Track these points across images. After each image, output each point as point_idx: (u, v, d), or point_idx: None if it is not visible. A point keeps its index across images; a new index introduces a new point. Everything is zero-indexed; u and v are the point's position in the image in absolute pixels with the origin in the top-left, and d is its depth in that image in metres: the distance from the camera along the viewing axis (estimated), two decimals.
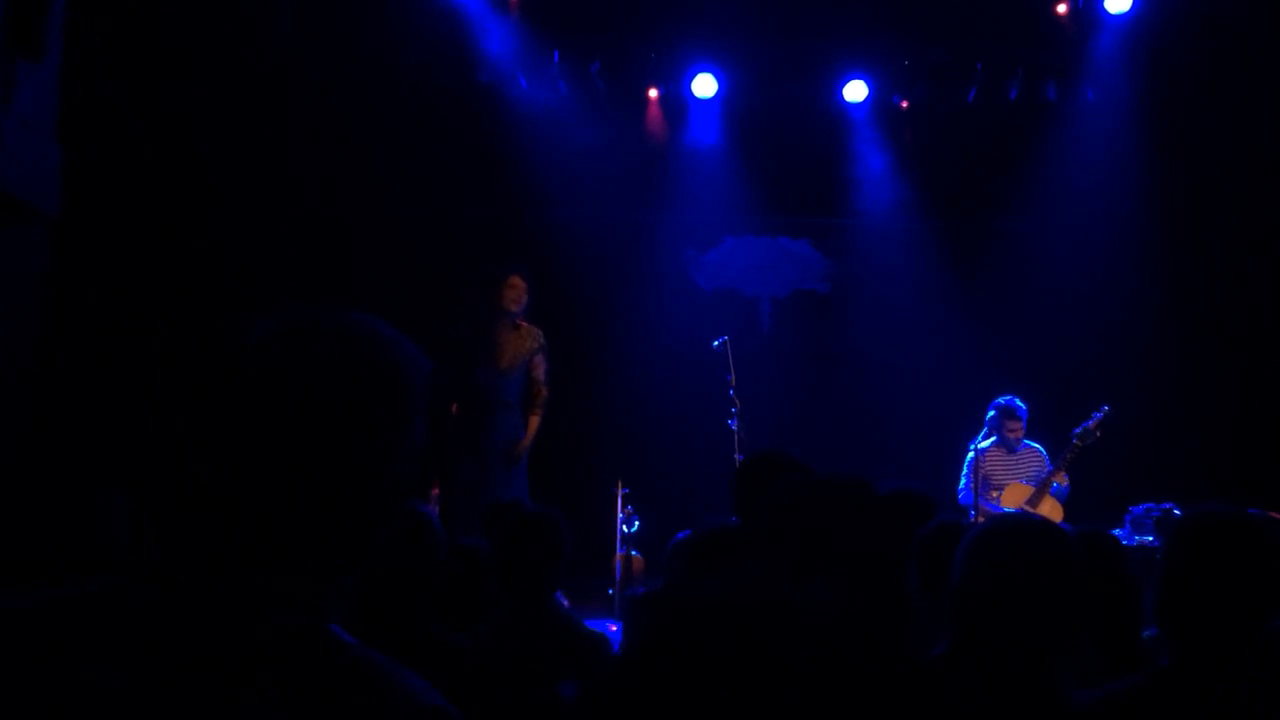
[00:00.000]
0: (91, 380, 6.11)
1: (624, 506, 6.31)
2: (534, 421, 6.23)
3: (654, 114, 8.47)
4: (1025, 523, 1.93)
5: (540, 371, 6.27)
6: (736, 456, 6.16)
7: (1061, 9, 7.91)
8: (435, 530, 2.85)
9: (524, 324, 6.32)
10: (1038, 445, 6.77)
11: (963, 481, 6.68)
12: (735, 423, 6.34)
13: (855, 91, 8.26)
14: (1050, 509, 6.42)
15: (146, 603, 1.02)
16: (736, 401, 6.36)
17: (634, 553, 6.29)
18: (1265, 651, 2.39)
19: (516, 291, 6.26)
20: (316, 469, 1.04)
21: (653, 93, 8.42)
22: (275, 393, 1.04)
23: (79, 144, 5.30)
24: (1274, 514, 3.96)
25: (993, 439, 6.68)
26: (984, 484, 6.55)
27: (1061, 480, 6.52)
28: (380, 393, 1.08)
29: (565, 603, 4.52)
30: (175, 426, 1.07)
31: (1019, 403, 6.68)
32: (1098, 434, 6.44)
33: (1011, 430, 6.64)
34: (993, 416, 6.70)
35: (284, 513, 1.04)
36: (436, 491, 6.25)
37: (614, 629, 5.68)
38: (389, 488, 1.09)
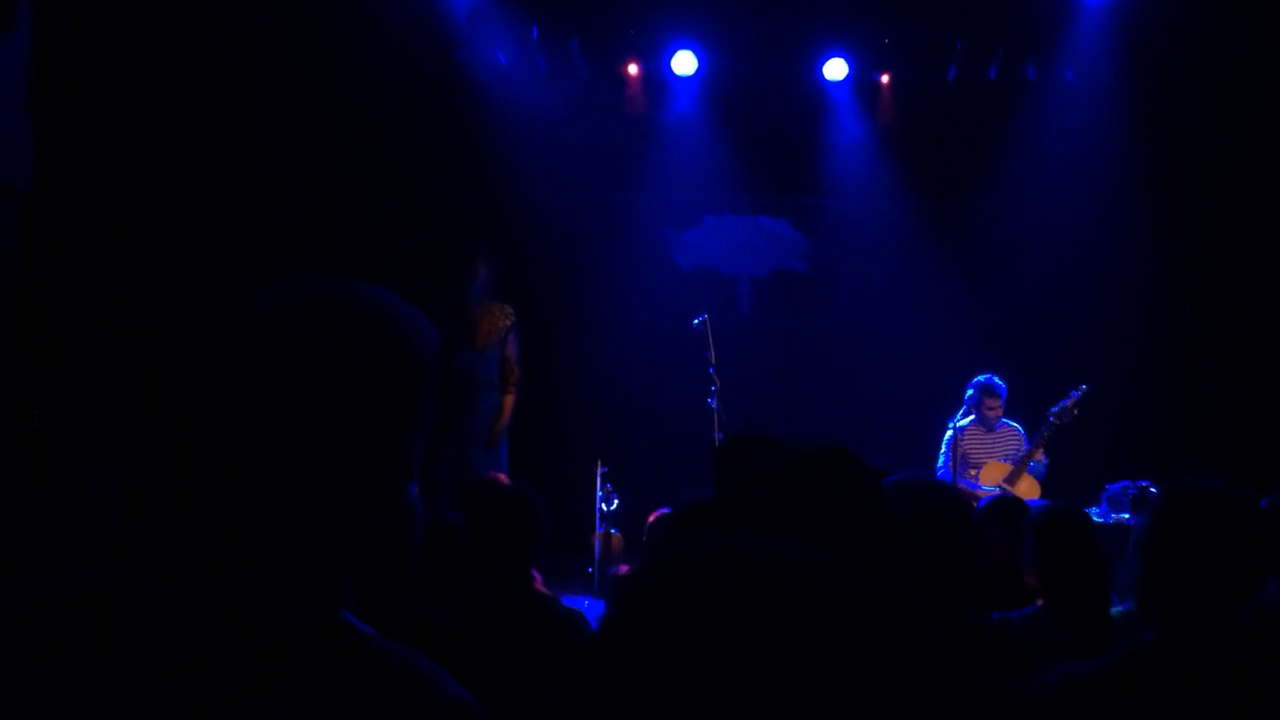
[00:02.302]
0: (68, 355, 6.06)
1: (603, 485, 6.31)
2: (509, 401, 6.22)
3: (633, 91, 8.42)
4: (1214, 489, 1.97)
5: (513, 350, 6.25)
6: (716, 435, 6.16)
7: None
8: (414, 508, 2.85)
9: (495, 304, 6.30)
10: (1015, 424, 6.80)
11: (941, 460, 6.70)
12: (715, 401, 6.34)
13: (835, 70, 8.24)
14: (1028, 487, 6.45)
15: (152, 595, 0.98)
16: (716, 380, 6.35)
17: (613, 531, 6.29)
18: (1248, 627, 2.41)
19: (482, 271, 6.24)
20: (330, 452, 1.00)
21: (632, 70, 8.37)
22: (288, 372, 0.99)
23: (51, 118, 5.24)
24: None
25: (971, 418, 6.71)
26: (962, 462, 6.57)
27: (1039, 458, 6.55)
28: (395, 371, 1.03)
29: (538, 577, 4.52)
30: (176, 407, 1.03)
31: (998, 381, 6.70)
32: (1075, 412, 6.47)
33: (990, 409, 6.66)
34: (971, 395, 6.72)
35: (296, 499, 0.99)
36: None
37: (586, 605, 5.69)
38: (401, 470, 1.05)
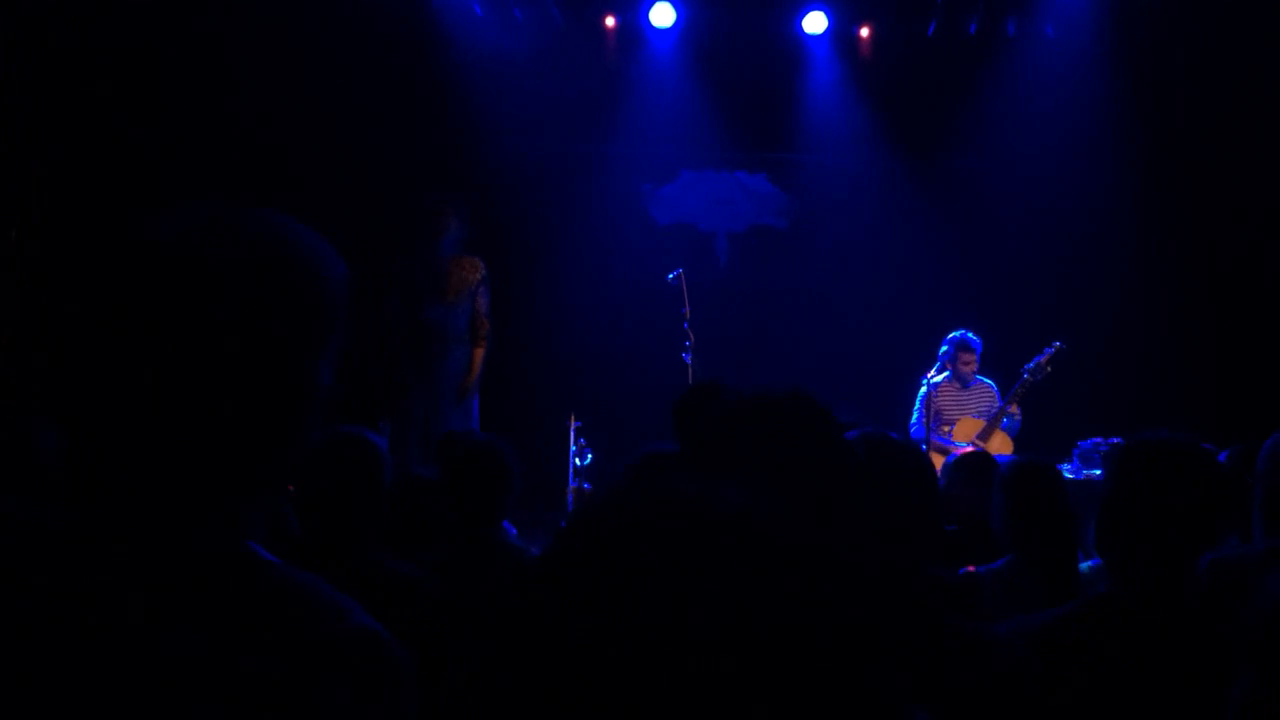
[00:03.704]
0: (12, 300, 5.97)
1: (577, 440, 6.31)
2: (479, 354, 6.18)
3: (610, 43, 8.33)
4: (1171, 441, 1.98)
5: (483, 304, 6.20)
6: None
7: None
8: (381, 457, 2.82)
9: (465, 256, 6.25)
10: (989, 381, 6.82)
11: (915, 416, 6.73)
12: (689, 356, 6.33)
13: (815, 23, 8.17)
14: (1000, 443, 6.49)
15: (63, 525, 0.97)
16: (691, 335, 6.34)
17: (586, 486, 6.29)
18: (1205, 579, 2.43)
19: (452, 223, 6.18)
20: (233, 378, 0.98)
21: (610, 21, 8.27)
22: (188, 295, 0.97)
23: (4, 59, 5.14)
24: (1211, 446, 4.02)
25: (945, 374, 6.72)
26: (936, 418, 6.60)
27: (1015, 412, 6.58)
28: (294, 295, 1.01)
29: (514, 532, 4.51)
30: (73, 336, 1.00)
31: (972, 336, 6.72)
32: (1048, 369, 6.50)
33: (966, 363, 6.68)
34: (946, 351, 6.73)
35: (199, 427, 0.97)
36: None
37: None
38: (309, 400, 1.03)
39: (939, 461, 5.27)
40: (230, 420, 0.98)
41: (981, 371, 6.84)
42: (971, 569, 3.45)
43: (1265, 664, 1.28)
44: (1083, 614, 1.86)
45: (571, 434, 6.32)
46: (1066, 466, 6.30)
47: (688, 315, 6.37)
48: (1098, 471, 6.21)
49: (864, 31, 8.30)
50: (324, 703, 0.94)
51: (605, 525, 0.71)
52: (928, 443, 6.27)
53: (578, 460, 6.27)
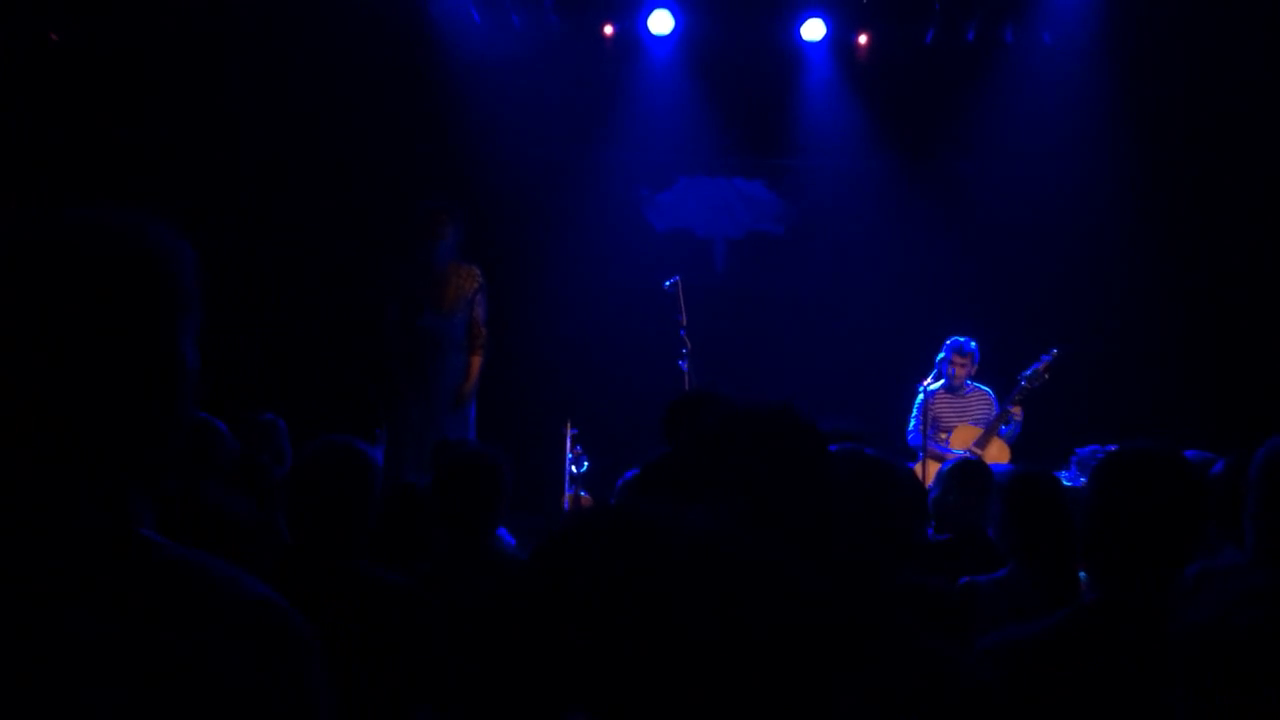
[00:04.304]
0: None
1: (573, 447, 6.30)
2: (475, 362, 6.19)
3: (608, 50, 8.33)
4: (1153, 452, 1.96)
5: (480, 312, 6.21)
6: None
7: None
8: (371, 467, 2.81)
9: (462, 264, 6.25)
10: (986, 388, 6.81)
11: (911, 423, 6.72)
12: (686, 364, 6.33)
13: (813, 30, 8.17)
14: (998, 451, 6.48)
15: None
16: (687, 342, 6.34)
17: (583, 493, 6.28)
18: (1191, 589, 2.42)
19: (449, 231, 6.19)
20: (96, 362, 1.02)
21: (608, 29, 8.28)
22: (45, 286, 1.01)
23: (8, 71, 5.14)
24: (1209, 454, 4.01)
25: (942, 381, 6.72)
26: (933, 426, 6.59)
27: (1017, 414, 6.57)
28: (153, 280, 1.06)
29: (512, 541, 4.51)
30: None
31: (969, 341, 6.72)
32: (1046, 376, 6.49)
33: (959, 365, 6.67)
34: (942, 358, 6.73)
35: (67, 411, 1.01)
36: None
37: None
38: (175, 378, 1.06)
39: (936, 469, 5.26)
40: (98, 403, 1.02)
41: (980, 378, 6.84)
42: (971, 579, 3.44)
43: (1197, 685, 1.27)
44: (1066, 627, 1.86)
45: (568, 441, 6.32)
46: (1065, 474, 6.29)
47: (684, 322, 6.37)
48: None
49: (862, 39, 8.30)
50: (227, 671, 0.96)
51: (575, 545, 0.76)
52: (925, 450, 6.26)
53: (574, 467, 6.27)
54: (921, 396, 6.58)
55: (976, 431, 6.60)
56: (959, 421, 6.69)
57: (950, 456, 6.18)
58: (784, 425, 1.54)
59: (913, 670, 1.51)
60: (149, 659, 0.95)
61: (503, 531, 4.02)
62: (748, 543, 0.72)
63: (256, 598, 1.01)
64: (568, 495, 6.25)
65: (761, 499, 1.46)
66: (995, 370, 6.86)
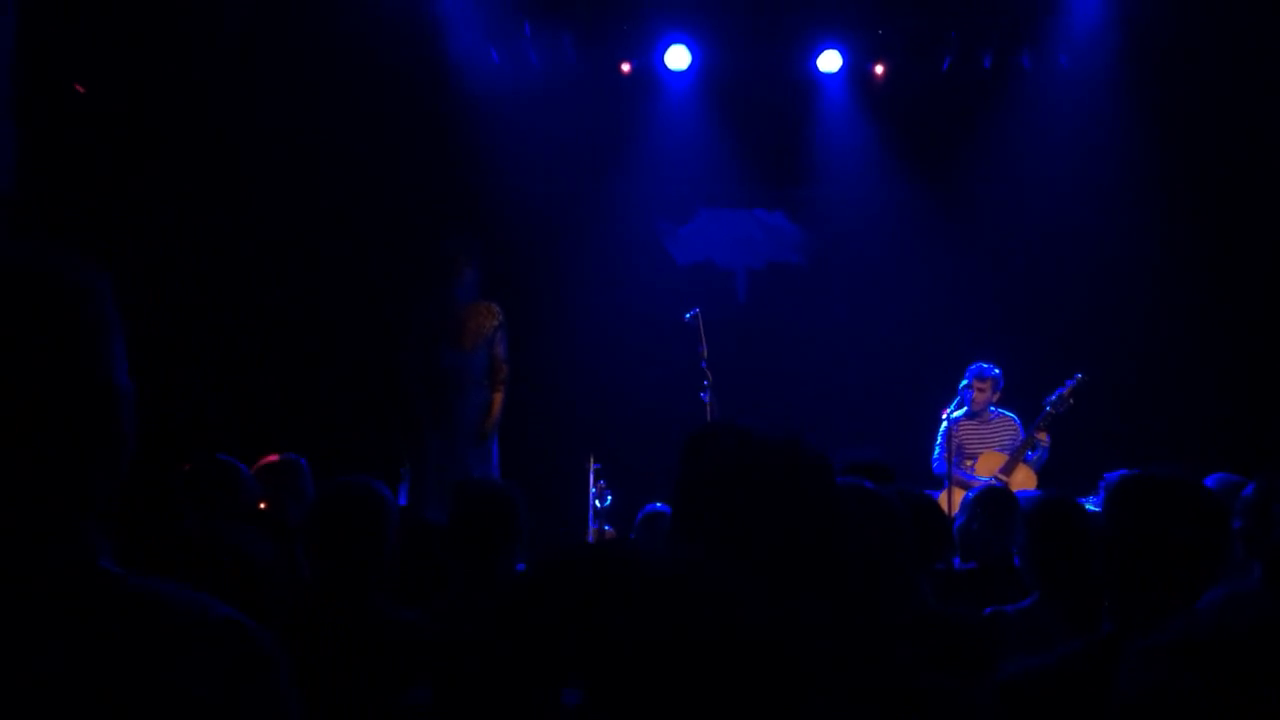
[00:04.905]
0: None
1: (596, 482, 6.30)
2: (497, 399, 6.23)
3: (627, 86, 8.40)
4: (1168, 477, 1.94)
5: (501, 349, 6.26)
6: None
7: None
8: (386, 506, 2.83)
9: (482, 302, 6.30)
10: (1011, 414, 6.77)
11: (936, 451, 6.68)
12: (708, 395, 6.32)
13: (829, 61, 8.21)
14: (1024, 477, 6.43)
15: None
16: (708, 374, 6.34)
17: (607, 528, 6.27)
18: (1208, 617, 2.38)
19: (467, 270, 6.25)
20: (33, 398, 1.03)
21: (625, 66, 8.35)
22: None
23: (34, 122, 5.23)
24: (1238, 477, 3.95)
25: (965, 408, 6.69)
26: (958, 453, 6.55)
27: (1044, 440, 6.52)
28: (74, 310, 1.07)
29: None
30: None
31: (986, 365, 6.71)
32: (1071, 401, 6.44)
33: (983, 391, 6.64)
34: (966, 385, 6.71)
35: (16, 450, 1.02)
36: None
37: None
38: (112, 404, 1.08)
39: (962, 496, 5.21)
40: (36, 438, 1.03)
41: (1004, 403, 6.79)
42: (998, 608, 3.40)
43: None
44: (1080, 658, 1.83)
45: (591, 476, 6.32)
46: (1092, 499, 6.21)
47: (704, 354, 6.38)
48: None
49: (879, 69, 8.33)
50: (197, 696, 0.97)
51: (550, 574, 0.78)
52: (949, 478, 6.22)
53: (598, 502, 6.26)
54: (945, 424, 6.54)
55: (1002, 458, 6.55)
56: (984, 448, 6.64)
57: (976, 484, 6.14)
58: (791, 459, 1.54)
59: (906, 705, 1.50)
60: (120, 690, 0.96)
61: (521, 567, 4.02)
62: (709, 576, 0.75)
63: (221, 620, 1.02)
64: (592, 530, 6.24)
65: (767, 533, 1.45)
66: (1020, 396, 6.81)
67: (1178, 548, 1.83)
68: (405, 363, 6.24)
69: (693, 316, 6.51)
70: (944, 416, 6.59)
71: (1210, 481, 3.76)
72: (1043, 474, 6.54)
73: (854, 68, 8.30)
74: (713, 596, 0.73)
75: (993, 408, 6.75)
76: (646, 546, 0.79)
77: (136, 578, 1.04)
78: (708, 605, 0.72)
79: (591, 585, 0.76)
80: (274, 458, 4.56)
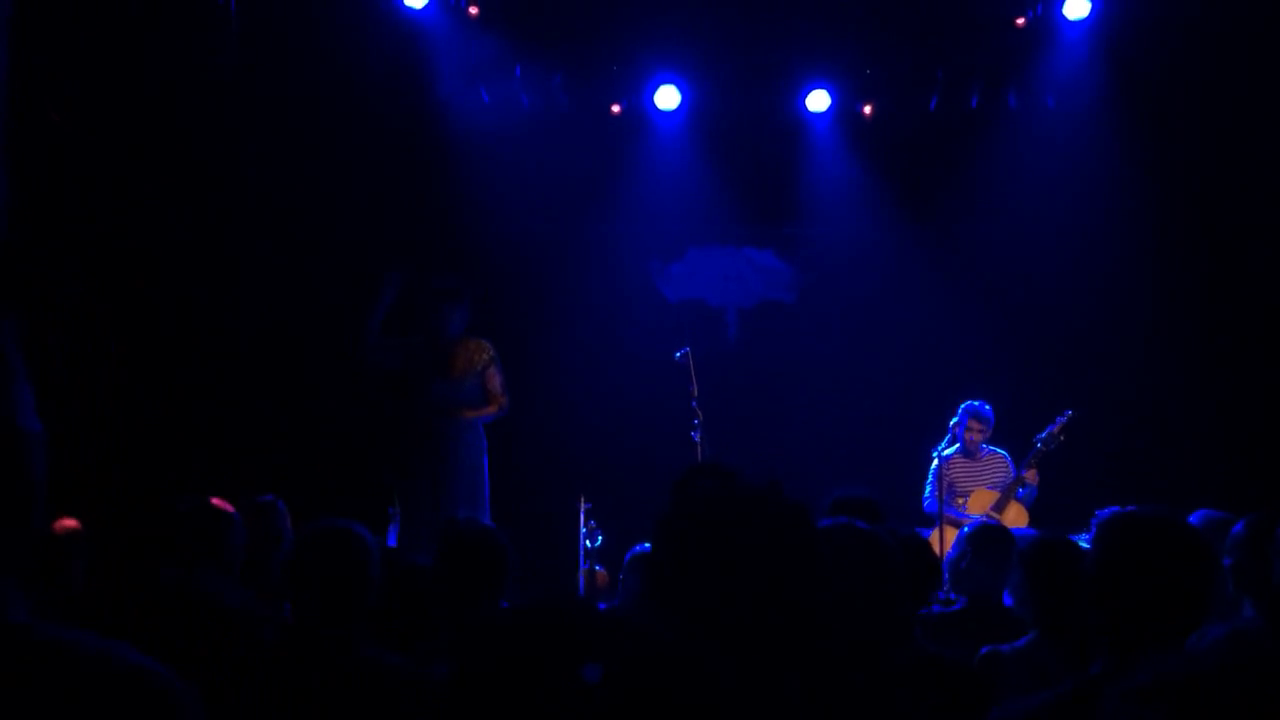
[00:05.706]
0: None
1: (587, 521, 6.26)
2: (490, 409, 6.18)
3: (617, 127, 8.44)
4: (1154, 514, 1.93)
5: (496, 384, 6.21)
6: None
7: (1020, 22, 7.92)
8: (367, 548, 2.81)
9: (472, 339, 6.28)
10: (1002, 451, 6.76)
11: (928, 490, 6.66)
12: (698, 435, 6.30)
13: (818, 101, 8.27)
14: (1016, 514, 6.41)
15: None
16: (698, 413, 6.32)
17: (598, 568, 6.23)
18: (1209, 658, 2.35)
19: (457, 309, 6.24)
20: None
21: (615, 107, 8.40)
22: None
23: (24, 166, 5.22)
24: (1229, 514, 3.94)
25: (957, 445, 6.67)
26: (949, 491, 6.52)
27: (1033, 479, 6.50)
28: None
29: None
30: None
31: (983, 405, 6.68)
32: (1061, 438, 6.44)
33: (975, 430, 6.63)
34: (957, 423, 6.69)
35: None
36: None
37: None
38: (20, 447, 1.06)
39: (954, 535, 5.19)
40: None
41: (995, 441, 6.78)
42: (994, 648, 3.38)
43: None
44: (1072, 695, 1.81)
45: (581, 515, 6.28)
46: (1085, 537, 6.19)
47: (694, 393, 6.36)
48: None
49: (867, 108, 8.38)
50: None
51: (513, 623, 0.80)
52: (941, 516, 6.19)
53: (588, 542, 6.22)
54: (936, 462, 6.52)
55: (993, 495, 6.53)
56: (975, 486, 6.63)
57: (967, 522, 6.11)
58: (768, 507, 1.53)
59: None
60: None
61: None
62: (651, 631, 0.74)
63: (131, 669, 1.01)
64: (582, 570, 6.19)
65: (745, 581, 1.44)
66: (1010, 432, 6.80)
67: (1164, 586, 1.81)
68: (394, 402, 6.21)
69: (683, 355, 6.50)
70: (935, 454, 6.57)
71: (1194, 518, 3.75)
72: (1034, 510, 6.52)
73: (842, 107, 8.35)
74: (678, 663, 0.72)
75: (984, 445, 6.74)
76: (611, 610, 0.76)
77: (44, 627, 1.03)
78: (673, 677, 0.72)
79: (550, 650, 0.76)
80: (254, 498, 4.52)
